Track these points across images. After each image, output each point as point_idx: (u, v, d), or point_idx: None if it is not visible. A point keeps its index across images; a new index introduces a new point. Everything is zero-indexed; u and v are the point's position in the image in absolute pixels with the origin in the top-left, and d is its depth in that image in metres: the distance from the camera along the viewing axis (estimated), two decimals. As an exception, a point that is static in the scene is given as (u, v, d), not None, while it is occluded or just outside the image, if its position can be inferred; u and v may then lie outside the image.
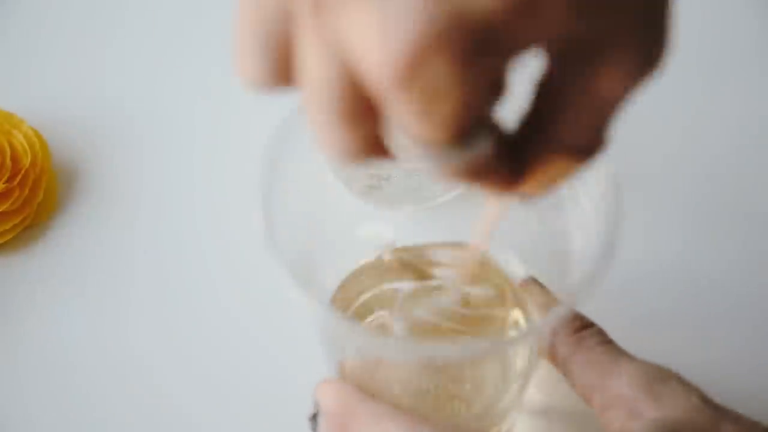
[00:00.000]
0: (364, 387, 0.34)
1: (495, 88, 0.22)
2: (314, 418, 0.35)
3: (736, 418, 0.33)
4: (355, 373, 0.36)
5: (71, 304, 0.44)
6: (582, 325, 0.36)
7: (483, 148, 0.23)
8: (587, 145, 0.24)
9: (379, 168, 0.42)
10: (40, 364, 0.42)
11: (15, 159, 0.45)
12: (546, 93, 0.24)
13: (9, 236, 0.44)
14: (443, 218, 0.45)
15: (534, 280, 0.37)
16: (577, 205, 0.33)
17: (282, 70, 0.24)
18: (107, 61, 0.50)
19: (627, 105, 0.23)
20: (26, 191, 0.45)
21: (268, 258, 0.28)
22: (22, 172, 0.45)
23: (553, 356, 0.36)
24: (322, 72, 0.22)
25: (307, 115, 0.23)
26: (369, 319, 0.38)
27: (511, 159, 0.25)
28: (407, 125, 0.22)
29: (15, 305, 0.44)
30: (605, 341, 0.35)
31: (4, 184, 0.44)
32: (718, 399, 0.33)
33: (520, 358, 0.35)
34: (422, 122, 0.22)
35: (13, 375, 0.42)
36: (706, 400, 0.33)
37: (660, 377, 0.33)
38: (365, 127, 0.23)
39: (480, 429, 0.38)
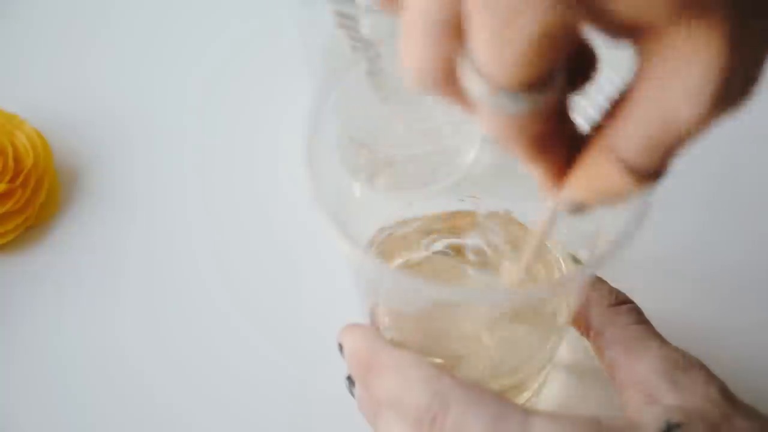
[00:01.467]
0: (393, 335, 0.35)
1: (568, 40, 0.21)
2: (351, 377, 0.36)
3: (751, 414, 0.33)
4: (384, 321, 0.37)
5: (73, 302, 0.44)
6: (618, 301, 0.36)
7: (544, 102, 0.23)
8: (640, 165, 0.23)
9: (383, 153, 0.43)
10: (40, 362, 0.42)
11: (17, 159, 0.45)
12: (620, 95, 0.23)
13: (11, 236, 0.45)
14: (443, 203, 0.45)
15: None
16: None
17: (445, 58, 0.24)
18: (108, 64, 0.51)
19: (695, 140, 0.22)
20: (28, 191, 0.45)
21: (315, 210, 0.29)
22: (25, 172, 0.45)
23: (585, 326, 0.36)
24: None
25: (403, 31, 0.23)
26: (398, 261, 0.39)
27: (567, 142, 0.25)
28: (481, 55, 0.22)
29: (17, 304, 0.44)
30: (640, 320, 0.35)
31: (6, 184, 0.44)
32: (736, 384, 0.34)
33: (555, 314, 0.36)
34: (495, 51, 0.21)
35: (15, 373, 0.42)
36: (725, 393, 0.33)
37: (683, 365, 0.34)
38: (448, 48, 0.23)
39: (512, 384, 0.38)
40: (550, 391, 0.41)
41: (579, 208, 0.27)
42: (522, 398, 0.39)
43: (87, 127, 0.51)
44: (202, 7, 0.52)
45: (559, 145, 0.25)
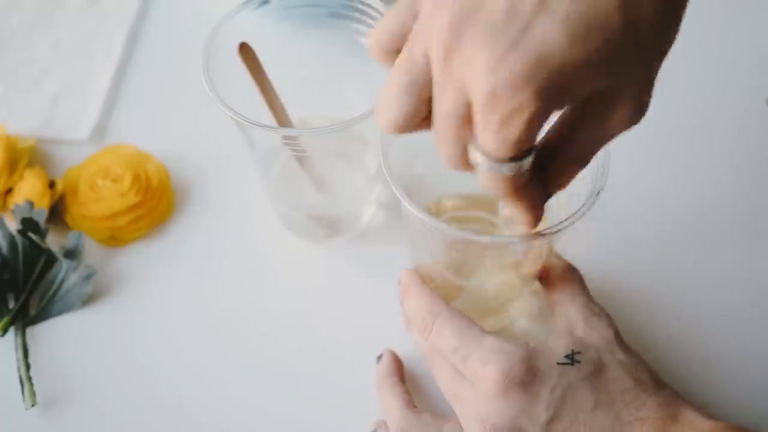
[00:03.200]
0: (429, 281, 0.45)
1: (545, 118, 0.29)
2: (380, 357, 0.49)
3: (629, 351, 0.42)
4: (423, 270, 0.46)
5: (183, 275, 0.56)
6: (567, 267, 0.46)
7: (528, 164, 0.30)
8: (588, 158, 0.33)
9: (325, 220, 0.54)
10: (161, 316, 0.54)
11: (147, 181, 0.58)
12: (567, 125, 0.32)
13: (142, 231, 0.57)
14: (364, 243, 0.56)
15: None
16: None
17: (417, 114, 0.31)
18: (209, 117, 0.56)
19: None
20: (154, 201, 0.58)
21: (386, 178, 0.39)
22: (151, 190, 0.58)
23: (546, 280, 0.46)
24: (449, 102, 0.29)
25: (437, 136, 0.31)
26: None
27: (540, 188, 0.33)
28: (486, 140, 0.29)
29: (147, 275, 0.56)
30: (580, 282, 0.45)
31: (140, 197, 0.57)
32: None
33: (526, 266, 0.45)
34: (498, 137, 0.28)
35: (147, 322, 0.54)
36: (617, 336, 0.43)
37: (596, 312, 0.44)
38: (463, 142, 0.30)
39: (497, 308, 0.49)
40: (519, 322, 0.52)
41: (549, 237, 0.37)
42: (503, 320, 0.50)
43: (193, 160, 0.62)
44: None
45: (534, 190, 0.33)
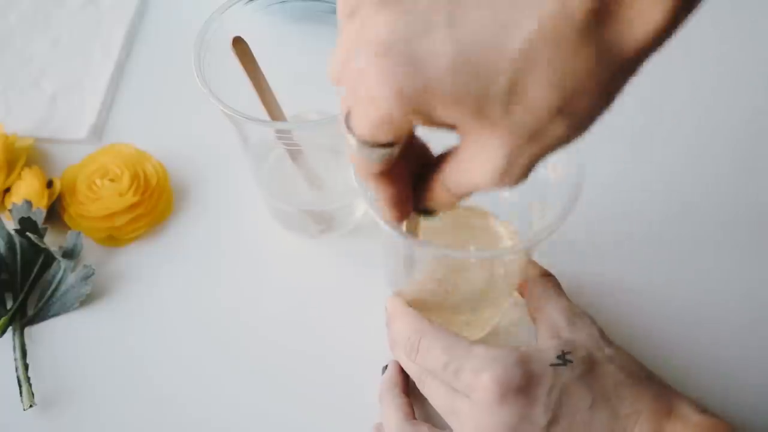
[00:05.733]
0: (412, 300, 0.45)
1: (405, 126, 0.29)
2: (386, 368, 0.48)
3: (615, 347, 0.43)
4: (405, 292, 0.46)
5: (182, 274, 0.56)
6: (543, 273, 0.47)
7: (387, 155, 0.31)
8: (455, 192, 0.32)
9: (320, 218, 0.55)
10: (159, 312, 0.54)
11: (146, 181, 0.58)
12: (448, 152, 0.32)
13: (141, 231, 0.57)
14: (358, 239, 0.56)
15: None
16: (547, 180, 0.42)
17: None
18: (209, 115, 0.55)
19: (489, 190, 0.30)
20: (153, 201, 0.58)
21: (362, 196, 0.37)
22: (150, 189, 0.58)
23: (523, 288, 0.47)
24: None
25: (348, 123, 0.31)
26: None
27: (403, 182, 0.34)
28: (354, 123, 0.29)
29: (145, 274, 0.56)
30: (557, 286, 0.46)
31: (139, 196, 0.57)
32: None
33: (508, 276, 0.45)
34: (362, 123, 0.29)
35: (144, 319, 0.54)
36: (602, 333, 0.43)
37: (578, 314, 0.44)
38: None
39: (487, 317, 0.49)
40: (502, 331, 0.52)
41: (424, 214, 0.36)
42: (485, 330, 0.50)
43: (192, 159, 0.61)
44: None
45: (396, 187, 0.34)
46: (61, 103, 0.66)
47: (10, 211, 0.57)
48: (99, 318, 0.54)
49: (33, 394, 0.50)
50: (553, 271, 0.48)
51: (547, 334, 0.43)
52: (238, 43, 0.46)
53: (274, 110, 0.48)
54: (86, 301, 0.55)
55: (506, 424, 0.39)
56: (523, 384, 0.39)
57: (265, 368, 0.52)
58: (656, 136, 0.62)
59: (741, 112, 0.63)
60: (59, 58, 0.69)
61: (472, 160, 0.30)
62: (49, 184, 0.59)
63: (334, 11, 0.49)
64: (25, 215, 0.56)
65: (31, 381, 0.51)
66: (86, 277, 0.55)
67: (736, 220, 0.57)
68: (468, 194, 0.32)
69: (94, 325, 0.54)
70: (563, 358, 0.40)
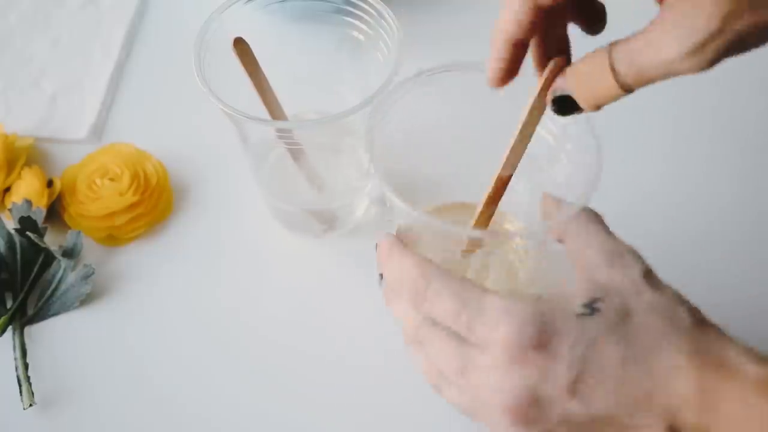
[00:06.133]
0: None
1: None
2: (381, 276, 0.41)
3: (662, 289, 0.36)
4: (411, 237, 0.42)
5: (181, 273, 0.56)
6: (585, 209, 0.40)
7: None
8: (624, 78, 0.31)
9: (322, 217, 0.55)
10: (159, 312, 0.54)
11: (146, 180, 0.58)
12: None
13: (141, 230, 0.57)
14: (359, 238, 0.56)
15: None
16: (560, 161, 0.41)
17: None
18: (209, 114, 0.54)
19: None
20: (153, 201, 0.58)
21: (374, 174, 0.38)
22: (150, 188, 0.58)
23: (557, 234, 0.40)
24: None
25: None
26: None
27: (560, 44, 0.35)
28: None
29: (144, 274, 0.56)
30: (598, 222, 0.39)
31: (139, 196, 0.57)
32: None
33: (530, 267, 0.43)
34: None
35: (143, 316, 0.53)
36: (647, 274, 0.37)
37: (619, 251, 0.37)
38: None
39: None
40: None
41: (562, 102, 0.33)
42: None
43: (192, 159, 0.61)
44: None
45: (554, 40, 0.34)
46: (61, 103, 0.66)
47: (10, 210, 0.57)
48: (99, 317, 0.54)
49: (33, 394, 0.50)
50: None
51: (581, 277, 0.37)
52: (239, 44, 0.46)
53: (275, 111, 0.48)
54: (86, 300, 0.55)
55: (525, 385, 0.34)
56: (544, 340, 0.34)
57: (265, 368, 0.52)
58: (656, 137, 0.61)
59: (740, 111, 0.63)
60: (59, 58, 0.69)
61: (666, 30, 0.29)
62: (49, 184, 0.59)
63: (334, 11, 0.49)
64: (25, 215, 0.56)
65: (31, 380, 0.51)
66: (86, 277, 0.55)
67: (736, 220, 0.57)
68: (639, 80, 0.30)
69: (94, 325, 0.54)
70: (591, 307, 0.35)
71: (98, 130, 0.65)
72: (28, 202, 0.57)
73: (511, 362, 0.34)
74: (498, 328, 0.34)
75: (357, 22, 0.49)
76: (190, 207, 0.60)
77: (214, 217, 0.59)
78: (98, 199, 0.58)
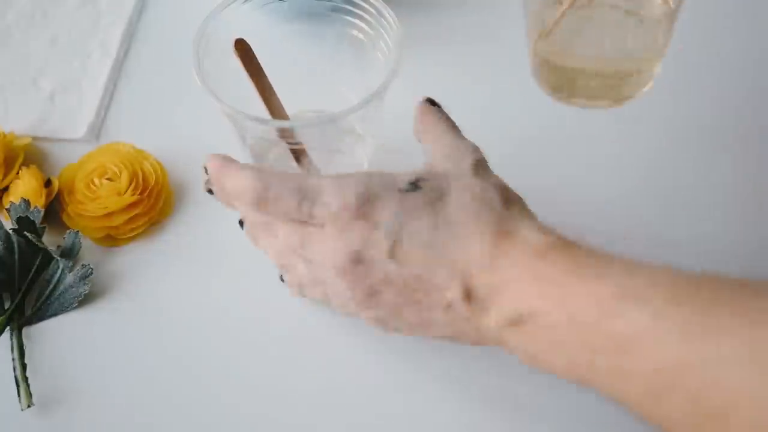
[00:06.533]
0: None
1: None
2: (240, 222, 0.48)
3: (485, 176, 0.42)
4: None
5: (180, 273, 0.55)
6: (431, 104, 0.46)
7: None
8: None
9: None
10: (157, 312, 0.53)
11: (145, 179, 0.57)
12: None
13: (140, 230, 0.56)
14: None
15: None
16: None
17: None
18: (208, 113, 0.54)
19: None
20: (152, 200, 0.57)
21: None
22: (149, 188, 0.57)
23: (417, 132, 0.45)
24: None
25: None
26: None
27: None
28: None
29: (143, 274, 0.55)
30: (445, 120, 0.45)
31: (138, 196, 0.56)
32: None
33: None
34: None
35: (144, 320, 0.53)
36: (477, 163, 0.42)
37: (457, 146, 0.43)
38: None
39: None
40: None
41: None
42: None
43: (192, 158, 0.59)
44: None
45: None
46: (59, 102, 0.66)
47: (7, 210, 0.57)
48: (97, 318, 0.54)
49: (31, 394, 0.50)
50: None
51: (424, 161, 0.43)
52: (241, 45, 0.46)
53: (278, 113, 0.48)
54: (85, 300, 0.54)
55: (350, 248, 0.40)
56: (366, 209, 0.39)
57: (265, 368, 0.51)
58: (653, 134, 0.61)
59: (740, 111, 0.62)
60: (57, 57, 0.69)
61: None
62: (47, 183, 0.59)
63: (334, 10, 0.49)
64: (23, 214, 0.56)
65: (29, 381, 0.51)
66: (85, 277, 0.54)
67: (736, 220, 0.57)
68: None
69: (93, 325, 0.54)
70: (414, 185, 0.40)
71: (96, 129, 0.65)
72: (26, 202, 0.57)
73: (341, 231, 0.40)
74: (331, 205, 0.40)
75: (357, 21, 0.49)
76: (189, 207, 0.59)
77: (213, 217, 0.58)
78: (96, 198, 0.57)
